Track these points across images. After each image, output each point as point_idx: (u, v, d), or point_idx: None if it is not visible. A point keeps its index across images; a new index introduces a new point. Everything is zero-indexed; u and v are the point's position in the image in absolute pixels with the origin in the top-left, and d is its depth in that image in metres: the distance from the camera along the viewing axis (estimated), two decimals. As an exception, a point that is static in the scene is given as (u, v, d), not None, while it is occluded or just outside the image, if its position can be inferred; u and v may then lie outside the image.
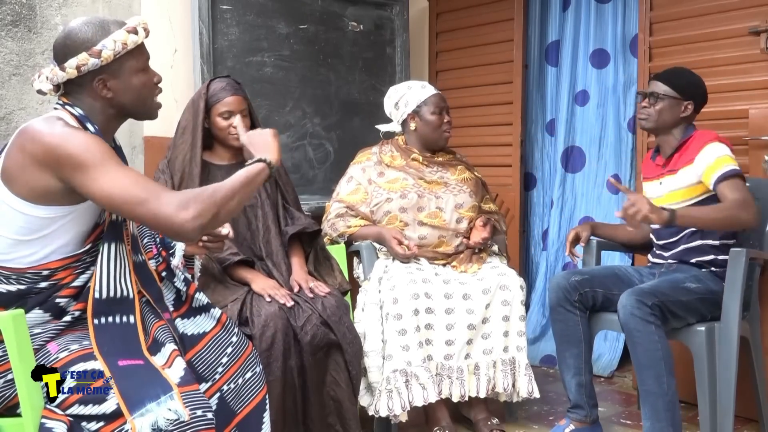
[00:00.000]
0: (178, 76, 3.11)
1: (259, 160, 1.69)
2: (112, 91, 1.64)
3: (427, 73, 4.09)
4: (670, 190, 2.61)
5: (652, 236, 2.77)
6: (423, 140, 2.92)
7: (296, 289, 2.46)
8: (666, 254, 2.67)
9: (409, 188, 2.84)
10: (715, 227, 2.47)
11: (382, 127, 3.03)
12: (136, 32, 1.62)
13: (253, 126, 2.62)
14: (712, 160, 2.46)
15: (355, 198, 2.87)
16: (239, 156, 2.64)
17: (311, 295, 2.42)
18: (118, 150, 1.76)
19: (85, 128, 1.61)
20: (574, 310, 2.59)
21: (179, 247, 1.94)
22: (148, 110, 1.73)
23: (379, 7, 3.73)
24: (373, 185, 2.87)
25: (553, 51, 3.91)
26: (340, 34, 3.58)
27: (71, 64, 1.58)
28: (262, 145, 1.78)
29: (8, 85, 2.67)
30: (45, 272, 1.59)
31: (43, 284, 1.60)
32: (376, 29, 3.73)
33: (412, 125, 2.91)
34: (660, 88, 2.58)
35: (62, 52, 1.60)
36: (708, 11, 3.06)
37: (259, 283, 2.41)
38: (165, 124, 3.06)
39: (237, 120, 2.47)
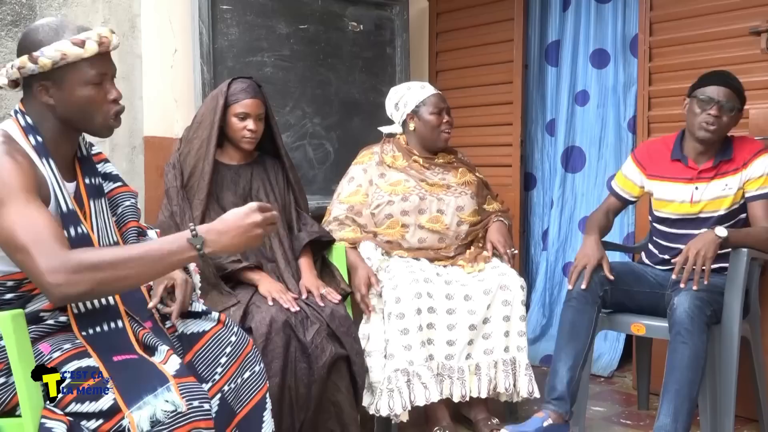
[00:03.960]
0: (178, 76, 3.11)
1: (193, 243, 1.47)
2: (54, 99, 1.59)
3: (427, 73, 4.09)
4: (712, 198, 2.57)
5: (658, 240, 2.75)
6: (422, 141, 2.91)
7: (305, 295, 2.45)
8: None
9: (410, 190, 2.83)
10: (760, 247, 2.47)
11: (385, 129, 3.02)
12: (82, 45, 1.55)
13: (269, 131, 2.62)
14: (767, 171, 2.51)
15: (356, 199, 2.86)
16: (248, 157, 2.65)
17: (322, 304, 2.42)
18: (84, 161, 1.71)
19: (29, 140, 1.57)
20: (593, 305, 2.54)
21: None
22: (96, 127, 1.65)
23: (379, 7, 3.73)
24: (374, 186, 2.86)
25: (553, 51, 3.91)
26: (340, 34, 3.58)
27: (15, 63, 1.56)
28: (227, 229, 1.52)
29: (8, 85, 2.67)
30: (10, 283, 1.57)
31: (9, 295, 1.59)
32: (376, 29, 3.73)
33: (411, 126, 2.90)
34: (732, 99, 2.50)
35: (19, 49, 1.58)
36: (708, 11, 3.06)
37: (266, 285, 2.41)
38: (165, 123, 3.08)
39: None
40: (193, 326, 1.82)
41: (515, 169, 3.82)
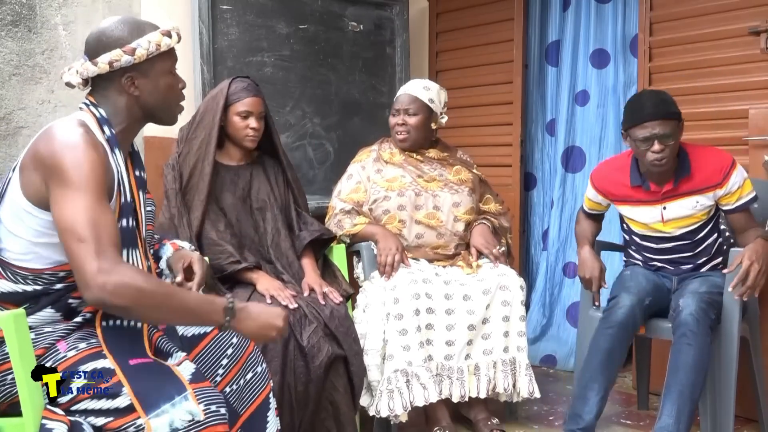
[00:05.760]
0: (178, 76, 3.11)
1: (225, 315, 1.56)
2: (140, 89, 1.65)
3: (427, 73, 4.09)
4: (683, 216, 2.56)
5: (641, 251, 2.72)
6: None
7: (307, 293, 2.45)
8: (685, 267, 2.65)
9: (406, 186, 2.83)
10: None
11: None
12: (170, 36, 1.66)
13: (267, 130, 2.62)
14: (742, 183, 2.49)
15: (357, 196, 2.87)
16: (248, 157, 2.65)
17: (323, 302, 2.42)
18: (135, 155, 1.77)
19: (103, 131, 1.61)
20: (631, 335, 2.51)
21: (164, 263, 1.95)
22: (170, 114, 1.75)
23: (379, 7, 3.73)
24: (371, 182, 2.87)
25: (553, 51, 3.91)
26: (340, 34, 3.58)
27: (104, 59, 1.60)
28: (254, 317, 1.62)
29: (8, 85, 2.67)
30: (61, 273, 1.59)
31: (59, 285, 1.60)
32: (376, 29, 3.73)
33: None
34: (669, 126, 2.41)
35: (95, 47, 1.62)
36: (708, 11, 3.06)
37: (264, 283, 2.41)
38: (165, 124, 3.07)
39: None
40: (194, 328, 1.83)
41: (515, 169, 3.82)
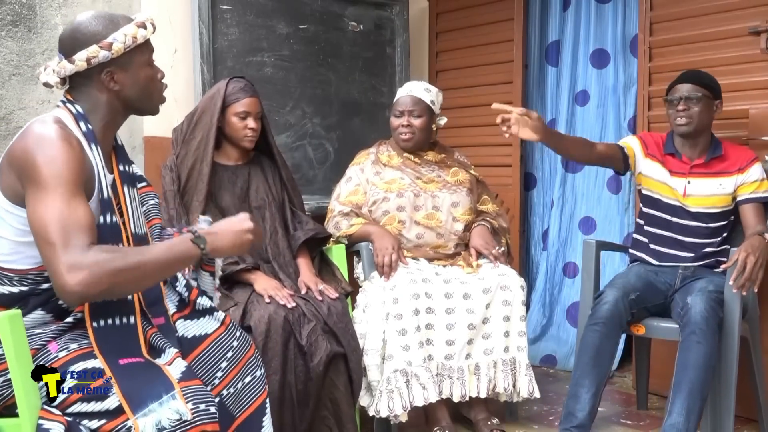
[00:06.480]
0: (178, 76, 3.11)
1: (197, 243, 1.56)
2: (120, 84, 1.64)
3: (427, 73, 4.09)
4: (706, 194, 2.64)
5: (649, 228, 2.76)
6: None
7: (303, 291, 2.46)
8: (688, 255, 2.67)
9: (405, 187, 2.84)
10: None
11: None
12: (145, 27, 1.64)
13: (262, 130, 2.63)
14: (760, 178, 2.60)
15: (355, 198, 2.87)
16: (245, 157, 2.65)
17: (320, 298, 2.42)
18: (119, 150, 1.76)
19: (80, 127, 1.60)
20: (619, 330, 2.54)
21: None
22: (152, 104, 1.74)
23: (379, 7, 3.73)
24: (371, 184, 2.87)
25: (553, 51, 3.91)
26: (340, 34, 3.58)
27: (81, 56, 1.58)
28: (222, 232, 1.64)
29: (8, 85, 2.67)
30: (46, 273, 1.58)
31: (46, 285, 1.59)
32: (376, 29, 3.73)
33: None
34: (695, 90, 2.62)
35: (71, 44, 1.61)
36: (708, 11, 3.06)
37: (261, 283, 2.41)
38: (165, 123, 3.08)
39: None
40: (195, 328, 1.81)
41: (515, 169, 3.82)
